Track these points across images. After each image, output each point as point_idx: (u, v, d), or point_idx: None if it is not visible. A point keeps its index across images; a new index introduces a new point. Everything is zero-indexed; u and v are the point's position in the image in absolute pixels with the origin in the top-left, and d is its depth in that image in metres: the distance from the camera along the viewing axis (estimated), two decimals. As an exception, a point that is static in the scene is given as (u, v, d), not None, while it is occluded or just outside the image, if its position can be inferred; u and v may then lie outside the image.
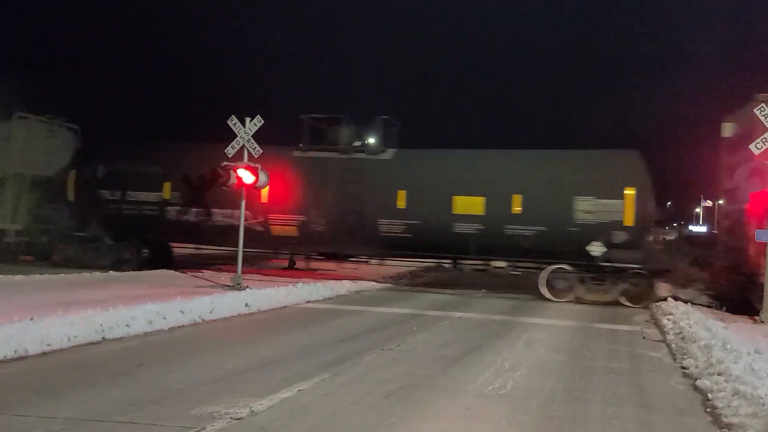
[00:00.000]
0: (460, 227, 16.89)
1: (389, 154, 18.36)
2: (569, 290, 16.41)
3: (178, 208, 18.63)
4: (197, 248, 22.33)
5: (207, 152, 18.16)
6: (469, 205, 16.94)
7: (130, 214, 18.91)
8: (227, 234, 17.85)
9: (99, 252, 19.09)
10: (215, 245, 20.03)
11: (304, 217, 18.00)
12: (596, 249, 15.91)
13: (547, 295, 16.40)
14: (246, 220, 16.40)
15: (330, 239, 18.16)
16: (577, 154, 17.91)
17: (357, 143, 18.61)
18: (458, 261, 18.67)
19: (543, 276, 16.65)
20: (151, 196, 18.80)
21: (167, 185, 18.67)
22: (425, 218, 17.13)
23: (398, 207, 17.37)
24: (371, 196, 17.65)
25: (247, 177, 15.28)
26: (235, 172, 15.23)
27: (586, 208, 16.11)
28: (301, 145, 18.72)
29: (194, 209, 18.51)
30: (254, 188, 15.76)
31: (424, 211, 17.17)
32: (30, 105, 20.69)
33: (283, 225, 18.18)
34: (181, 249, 22.08)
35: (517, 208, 16.57)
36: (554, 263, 16.55)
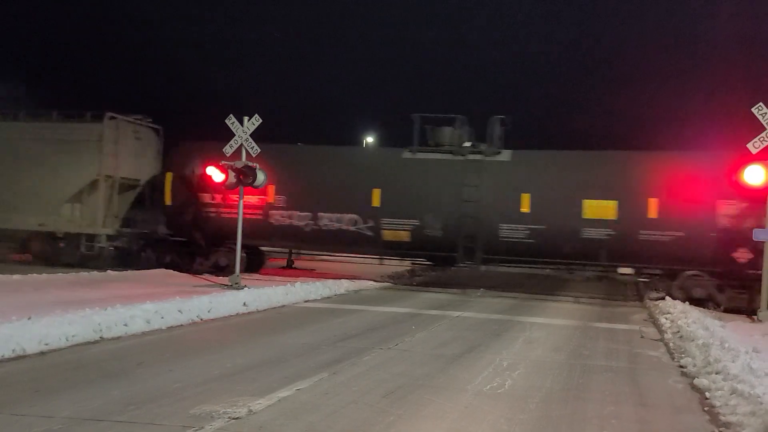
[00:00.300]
0: (590, 232, 16.21)
1: (506, 155, 17.70)
2: (707, 298, 15.44)
3: (282, 211, 18.14)
4: (297, 253, 21.99)
5: (311, 154, 18.17)
6: (600, 209, 16.22)
7: (231, 218, 17.89)
8: (336, 238, 17.49)
9: (197, 257, 18.67)
10: (322, 250, 19.54)
11: (418, 222, 17.42)
12: (743, 255, 14.93)
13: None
14: (354, 224, 16.29)
15: (446, 245, 17.44)
16: (722, 155, 16.08)
17: (467, 144, 17.94)
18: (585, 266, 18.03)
19: (677, 283, 15.76)
20: (254, 200, 18.15)
21: (271, 188, 18.12)
22: (551, 223, 16.47)
23: (521, 211, 16.70)
24: (491, 200, 16.98)
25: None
26: (234, 171, 15.23)
27: (731, 212, 15.18)
28: (411, 146, 18.07)
29: (300, 213, 18.02)
30: (253, 187, 15.76)
31: (551, 216, 16.50)
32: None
33: (395, 229, 17.62)
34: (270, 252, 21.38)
35: (653, 213, 15.74)
36: (688, 270, 15.66)
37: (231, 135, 15.45)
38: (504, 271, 22.50)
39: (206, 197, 18.45)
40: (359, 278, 18.32)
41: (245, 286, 14.72)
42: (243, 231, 17.52)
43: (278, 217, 18.14)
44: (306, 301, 14.21)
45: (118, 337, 9.10)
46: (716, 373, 7.71)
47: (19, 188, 19.16)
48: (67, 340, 8.37)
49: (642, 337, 11.45)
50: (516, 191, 16.90)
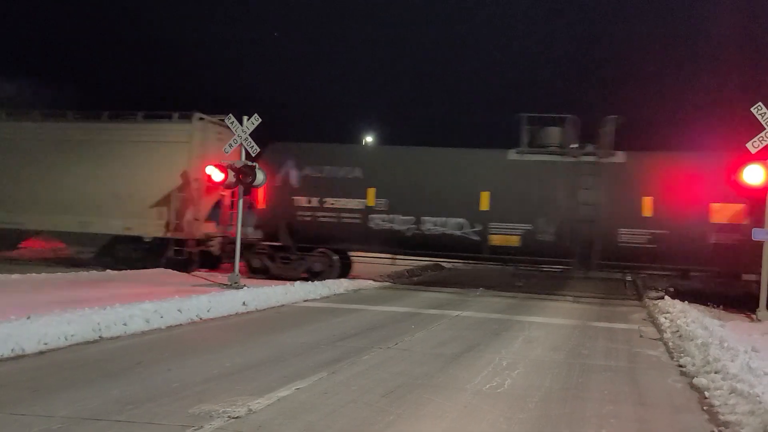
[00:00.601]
0: (718, 237, 15.52)
1: (621, 156, 16.96)
2: None
3: (383, 215, 17.62)
4: (394, 259, 21.18)
5: (414, 156, 17.64)
6: (729, 212, 15.54)
7: (327, 222, 17.82)
8: (438, 243, 17.12)
9: (289, 262, 18.20)
10: (421, 255, 18.81)
11: (530, 226, 16.79)
12: None
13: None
14: (460, 228, 16.16)
15: (559, 250, 16.83)
16: None
17: (574, 145, 17.21)
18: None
19: None
20: (352, 203, 17.79)
21: (371, 191, 17.70)
22: (676, 228, 15.82)
23: (643, 215, 16.04)
24: (609, 204, 16.34)
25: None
26: (233, 171, 15.22)
27: None
28: (519, 147, 17.42)
29: (402, 217, 17.52)
30: (253, 187, 15.76)
31: (675, 220, 15.84)
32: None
33: (504, 234, 16.99)
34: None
35: None
36: None
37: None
38: (502, 271, 22.49)
39: (302, 200, 17.97)
40: (358, 277, 18.32)
41: (244, 285, 14.72)
42: (338, 235, 17.67)
43: (378, 221, 17.61)
44: (305, 301, 14.21)
45: (118, 337, 9.10)
46: (715, 373, 7.71)
47: (102, 191, 18.72)
48: (66, 340, 8.37)
49: (641, 336, 11.46)
50: (636, 194, 16.23)
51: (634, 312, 14.91)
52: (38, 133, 19.85)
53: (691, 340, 9.75)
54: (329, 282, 16.49)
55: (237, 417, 5.76)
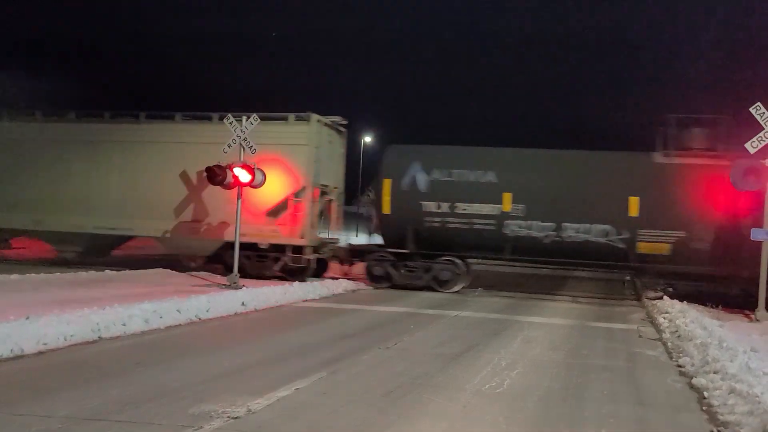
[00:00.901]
0: None
1: None
2: None
3: (519, 221, 16.78)
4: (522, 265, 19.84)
5: (553, 160, 16.86)
6: None
7: (457, 228, 17.02)
8: (579, 251, 16.28)
9: (414, 270, 17.45)
10: (557, 264, 17.51)
11: (684, 233, 15.85)
12: None
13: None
14: (605, 235, 15.62)
15: (715, 259, 15.71)
16: None
17: (726, 147, 15.74)
18: None
19: None
20: (486, 209, 16.95)
21: (507, 196, 16.88)
22: None
23: None
24: None
25: (243, 176, 15.27)
26: (231, 170, 15.21)
27: None
28: (666, 149, 16.39)
29: (541, 223, 16.64)
30: (251, 187, 15.73)
31: None
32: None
33: (654, 242, 16.07)
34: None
35: None
36: None
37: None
38: (502, 272, 22.49)
39: (430, 205, 17.20)
40: (358, 278, 18.32)
41: (243, 285, 14.71)
42: (469, 242, 16.91)
43: (514, 227, 16.77)
44: (304, 301, 14.22)
45: (117, 337, 9.09)
46: (714, 373, 7.72)
47: (214, 196, 17.70)
48: (65, 340, 8.36)
49: (640, 336, 11.47)
50: None
51: (632, 312, 14.93)
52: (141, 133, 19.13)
53: (690, 340, 9.75)
54: (328, 282, 16.50)
55: (237, 417, 5.76)
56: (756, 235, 13.46)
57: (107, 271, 17.14)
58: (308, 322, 11.65)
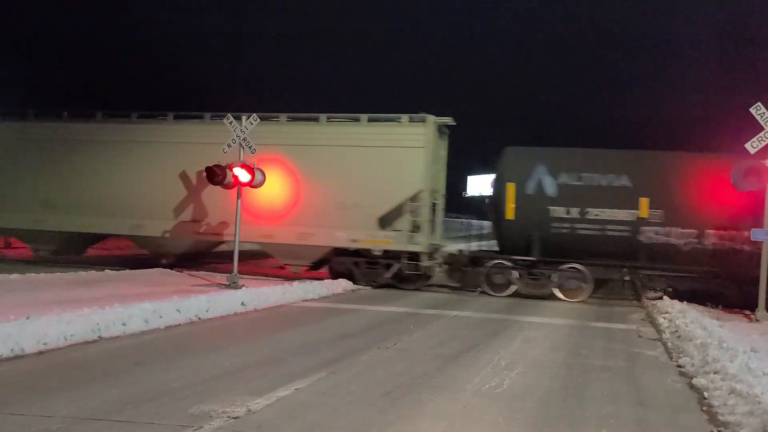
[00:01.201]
0: None
1: None
2: None
3: (657, 227, 16.01)
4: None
5: (697, 162, 15.98)
6: None
7: (588, 234, 16.28)
8: (724, 258, 15.45)
9: (538, 278, 16.75)
10: (694, 272, 15.91)
11: None
12: None
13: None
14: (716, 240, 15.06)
15: None
16: None
17: None
18: None
19: None
20: (621, 214, 16.23)
21: (644, 201, 16.13)
22: None
23: None
24: None
25: (243, 176, 15.26)
26: (231, 170, 15.21)
27: None
28: None
29: (681, 230, 15.91)
30: (250, 186, 15.73)
31: None
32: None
33: None
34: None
35: None
36: None
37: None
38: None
39: (559, 211, 16.51)
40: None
41: (243, 285, 14.71)
42: (600, 249, 16.11)
43: (651, 234, 16.05)
44: (304, 301, 14.21)
45: (117, 337, 9.10)
46: (714, 373, 7.72)
47: (326, 200, 17.38)
48: (65, 340, 8.37)
49: (640, 336, 11.47)
50: None
51: (632, 312, 14.93)
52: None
53: (690, 340, 9.76)
54: (327, 282, 16.48)
55: (236, 417, 5.76)
56: (756, 235, 13.45)
57: (107, 271, 17.15)
58: (308, 322, 11.65)
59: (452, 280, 18.16)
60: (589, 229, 16.29)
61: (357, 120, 17.90)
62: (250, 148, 15.27)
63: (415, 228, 17.18)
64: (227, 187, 15.48)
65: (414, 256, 17.21)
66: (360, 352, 8.85)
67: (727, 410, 6.43)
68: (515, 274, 16.94)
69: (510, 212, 16.83)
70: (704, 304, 14.90)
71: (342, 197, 17.36)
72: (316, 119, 18.14)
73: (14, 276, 14.63)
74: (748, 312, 13.98)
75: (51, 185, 19.57)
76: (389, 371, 7.83)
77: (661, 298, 15.20)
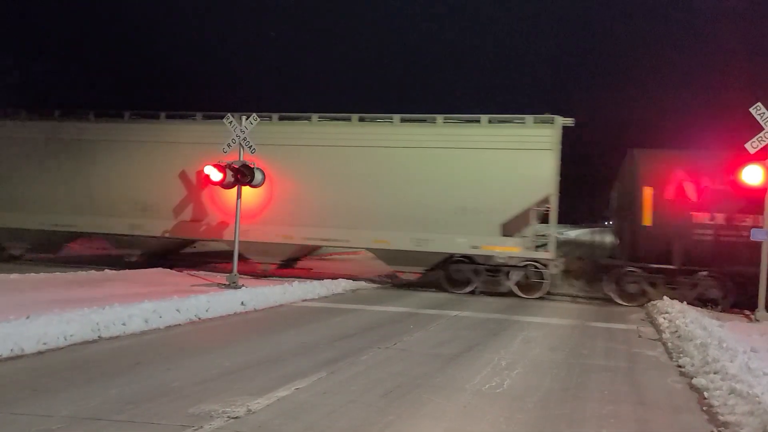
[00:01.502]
0: None
1: None
2: None
3: None
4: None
5: None
6: None
7: (734, 242, 15.34)
8: None
9: (678, 287, 15.66)
10: None
11: None
12: None
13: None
14: None
15: None
16: None
17: None
18: None
19: None
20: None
21: None
22: None
23: None
24: None
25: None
26: (232, 170, 15.21)
27: None
28: None
29: None
30: (252, 187, 15.74)
31: None
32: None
33: None
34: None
35: None
36: None
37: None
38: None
39: (702, 217, 15.61)
40: (357, 278, 18.30)
41: (243, 285, 14.70)
42: (743, 257, 14.87)
43: None
44: (304, 301, 14.20)
45: (117, 336, 9.10)
46: (714, 373, 7.72)
47: (446, 204, 16.94)
48: (65, 339, 8.37)
49: (640, 336, 11.47)
50: None
51: (632, 312, 14.93)
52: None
53: (690, 340, 9.76)
54: (327, 282, 16.46)
55: (236, 417, 5.76)
56: (756, 235, 13.45)
57: (107, 271, 17.14)
58: (308, 321, 11.65)
59: (573, 288, 17.51)
60: (735, 235, 15.34)
61: (477, 121, 17.27)
62: (249, 147, 15.27)
63: (542, 234, 16.67)
64: (226, 186, 15.51)
65: (535, 264, 16.69)
66: (360, 352, 8.85)
67: (727, 410, 6.43)
68: (649, 283, 16.07)
69: (648, 218, 15.94)
70: (705, 306, 14.91)
71: (464, 202, 16.82)
72: (434, 121, 17.52)
73: (14, 276, 14.63)
74: (748, 312, 13.98)
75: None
76: (389, 371, 7.83)
77: (660, 298, 15.17)
